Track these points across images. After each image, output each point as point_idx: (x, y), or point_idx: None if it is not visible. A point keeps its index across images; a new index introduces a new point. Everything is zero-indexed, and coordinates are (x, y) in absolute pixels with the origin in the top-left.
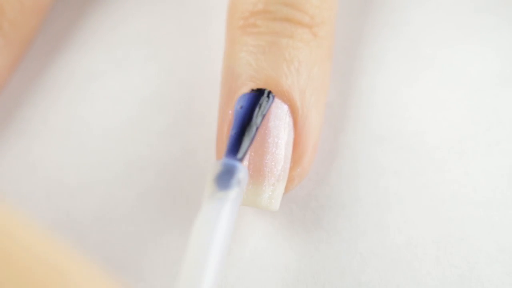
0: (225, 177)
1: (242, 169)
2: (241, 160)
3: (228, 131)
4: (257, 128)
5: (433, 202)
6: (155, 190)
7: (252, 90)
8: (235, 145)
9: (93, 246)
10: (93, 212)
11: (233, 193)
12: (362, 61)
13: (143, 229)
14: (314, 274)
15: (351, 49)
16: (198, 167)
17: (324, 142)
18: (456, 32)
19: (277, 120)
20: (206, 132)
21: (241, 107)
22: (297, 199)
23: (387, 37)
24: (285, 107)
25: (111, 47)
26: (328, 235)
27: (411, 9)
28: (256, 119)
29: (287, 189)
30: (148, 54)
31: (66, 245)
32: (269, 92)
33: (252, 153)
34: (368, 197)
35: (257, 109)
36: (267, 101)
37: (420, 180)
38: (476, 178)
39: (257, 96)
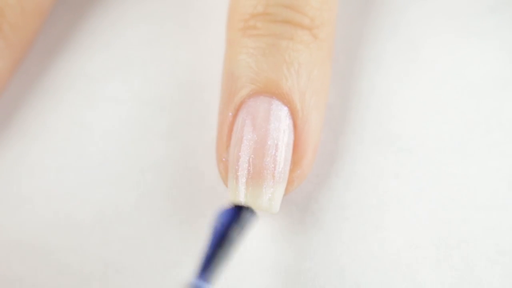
0: None
1: None
2: (210, 281)
3: (229, 133)
4: (233, 246)
5: (433, 205)
6: (155, 192)
7: (233, 206)
8: (207, 265)
9: (93, 248)
10: (93, 214)
11: None
12: (362, 63)
13: (143, 231)
14: (314, 276)
15: (351, 51)
16: (198, 169)
17: (324, 144)
18: (456, 34)
19: (277, 122)
20: (206, 134)
21: (220, 224)
22: (297, 201)
23: (387, 39)
24: (285, 109)
25: (111, 50)
26: (327, 237)
27: (410, 10)
28: (234, 236)
29: (287, 191)
30: (148, 56)
31: None
32: (251, 209)
33: (252, 155)
34: (367, 199)
35: (234, 226)
36: (247, 218)
37: (419, 183)
38: (475, 180)
39: (236, 213)
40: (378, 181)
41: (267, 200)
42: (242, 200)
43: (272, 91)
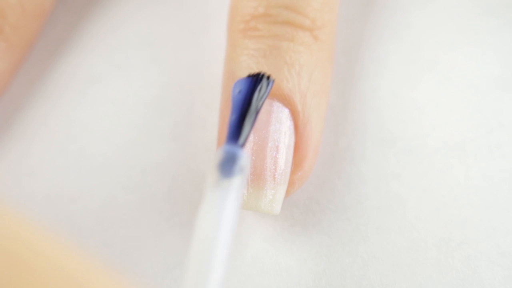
0: (227, 165)
1: (244, 155)
2: (242, 146)
3: None
4: (257, 113)
5: (435, 206)
6: (156, 193)
7: (250, 75)
8: (236, 131)
9: (94, 249)
10: (94, 215)
11: (237, 181)
12: (363, 64)
13: (143, 232)
14: (315, 277)
15: (352, 52)
16: (199, 170)
17: (325, 145)
18: (457, 36)
19: (278, 124)
20: (207, 136)
21: (240, 92)
22: (298, 202)
23: (388, 40)
24: (286, 111)
25: (112, 51)
26: (329, 238)
27: (412, 12)
28: (257, 102)
29: (288, 192)
30: (148, 57)
31: (81, 252)
32: (268, 76)
33: (253, 157)
34: (369, 200)
35: (256, 93)
36: (266, 85)
37: (421, 184)
38: (477, 181)
39: (255, 80)
40: (379, 182)
41: (268, 202)
42: (243, 202)
43: (273, 93)
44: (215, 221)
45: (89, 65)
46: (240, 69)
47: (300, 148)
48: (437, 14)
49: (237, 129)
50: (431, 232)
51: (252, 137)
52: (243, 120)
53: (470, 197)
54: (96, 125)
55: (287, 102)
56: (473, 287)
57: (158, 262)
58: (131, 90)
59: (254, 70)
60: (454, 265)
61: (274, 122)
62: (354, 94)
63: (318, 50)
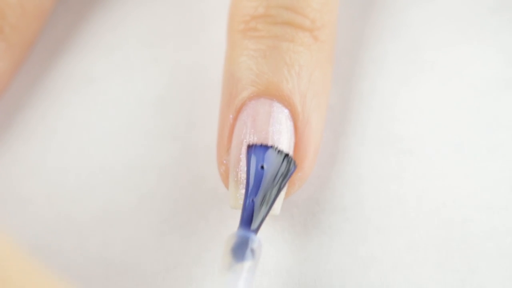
0: (240, 250)
1: (256, 240)
2: (256, 231)
3: (229, 135)
4: (275, 197)
5: (434, 206)
6: (156, 193)
7: (276, 150)
8: (251, 216)
9: (94, 248)
10: (94, 215)
11: (248, 264)
12: (363, 64)
13: (144, 232)
14: (315, 278)
15: (352, 52)
16: (199, 170)
17: (325, 145)
18: (456, 35)
19: (277, 125)
20: (207, 136)
21: (262, 168)
22: (298, 203)
23: (387, 40)
24: (286, 111)
25: (112, 51)
26: (329, 239)
27: (411, 12)
28: (280, 186)
29: (288, 193)
30: (148, 57)
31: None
32: (293, 160)
33: None
34: (369, 200)
35: (282, 176)
36: (292, 169)
37: (421, 184)
38: (477, 181)
39: (283, 159)
40: (379, 183)
41: None
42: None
43: (273, 93)
44: None
45: (89, 65)
46: (239, 70)
47: (300, 148)
48: (436, 13)
49: (252, 213)
50: (431, 233)
51: (252, 137)
52: (261, 204)
53: (470, 197)
54: (96, 125)
55: (287, 102)
56: (473, 287)
57: (158, 262)
58: (131, 90)
59: (254, 70)
60: (454, 266)
61: (274, 123)
62: (354, 95)
63: (318, 51)
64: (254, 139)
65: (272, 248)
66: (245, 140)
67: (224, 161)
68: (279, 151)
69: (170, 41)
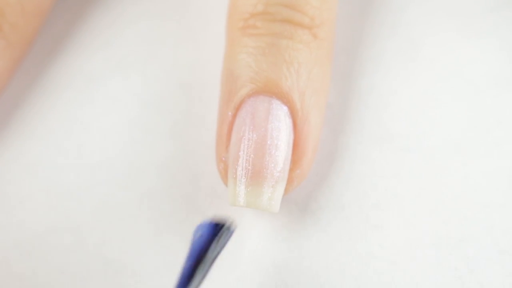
0: None
1: None
2: None
3: (228, 133)
4: (211, 263)
5: (433, 204)
6: (154, 192)
7: (214, 220)
8: (187, 279)
9: (93, 247)
10: (93, 214)
11: None
12: (362, 62)
13: (142, 230)
14: (313, 275)
15: (351, 50)
16: (198, 168)
17: (324, 143)
18: (455, 34)
19: (276, 122)
20: (206, 134)
21: (200, 236)
22: (297, 200)
23: (386, 38)
24: (285, 109)
25: (111, 49)
26: (327, 236)
27: (410, 10)
28: (213, 252)
29: (286, 190)
30: (147, 55)
31: None
32: (229, 226)
33: (252, 155)
34: (367, 198)
35: (215, 242)
36: (227, 233)
37: (419, 182)
38: (475, 179)
39: (218, 228)
40: (378, 180)
41: (267, 199)
42: (241, 200)
43: (272, 91)
44: None
45: (88, 64)
46: (239, 67)
47: (299, 145)
48: (435, 12)
49: (188, 277)
50: (429, 230)
51: (251, 134)
52: (196, 269)
53: (468, 195)
54: (95, 123)
55: (286, 99)
56: (472, 285)
57: (156, 260)
58: (130, 88)
59: (253, 68)
60: (453, 264)
61: (273, 120)
62: (353, 92)
63: (317, 48)
64: (253, 136)
65: (270, 246)
66: (244, 137)
67: (223, 158)
68: (214, 220)
69: (169, 39)
